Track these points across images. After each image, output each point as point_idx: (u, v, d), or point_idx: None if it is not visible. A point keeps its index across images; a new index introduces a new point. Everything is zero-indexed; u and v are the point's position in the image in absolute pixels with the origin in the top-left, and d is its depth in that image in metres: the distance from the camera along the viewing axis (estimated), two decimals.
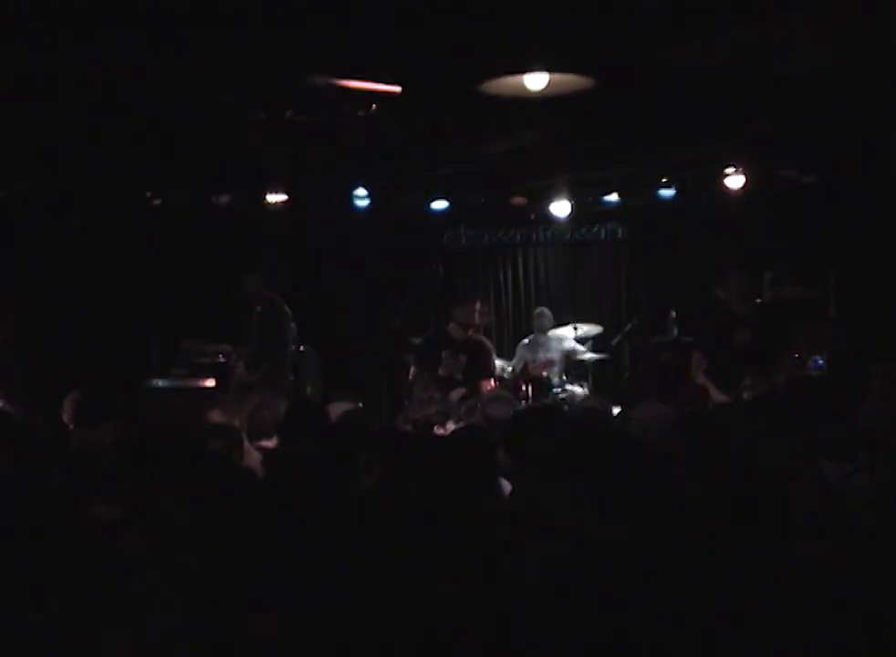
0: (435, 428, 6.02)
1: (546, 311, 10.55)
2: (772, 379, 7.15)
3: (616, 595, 3.10)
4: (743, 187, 9.98)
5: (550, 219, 11.43)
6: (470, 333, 8.70)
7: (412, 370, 8.98)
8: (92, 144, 8.12)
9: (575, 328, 10.44)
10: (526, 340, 10.58)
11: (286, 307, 9.60)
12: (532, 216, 11.68)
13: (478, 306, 8.74)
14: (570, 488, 3.59)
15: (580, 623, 3.08)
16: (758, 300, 7.43)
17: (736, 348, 7.34)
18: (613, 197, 10.79)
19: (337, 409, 6.38)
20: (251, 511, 3.71)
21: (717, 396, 7.15)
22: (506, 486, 4.87)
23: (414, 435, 5.91)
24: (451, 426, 6.06)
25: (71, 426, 6.01)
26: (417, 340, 9.40)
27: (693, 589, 3.03)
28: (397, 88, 6.64)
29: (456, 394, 8.45)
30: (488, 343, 8.95)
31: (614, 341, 10.66)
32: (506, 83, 6.76)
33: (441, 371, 8.72)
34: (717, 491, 4.01)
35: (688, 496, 4.05)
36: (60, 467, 4.84)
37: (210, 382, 10.02)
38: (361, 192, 10.51)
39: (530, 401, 9.34)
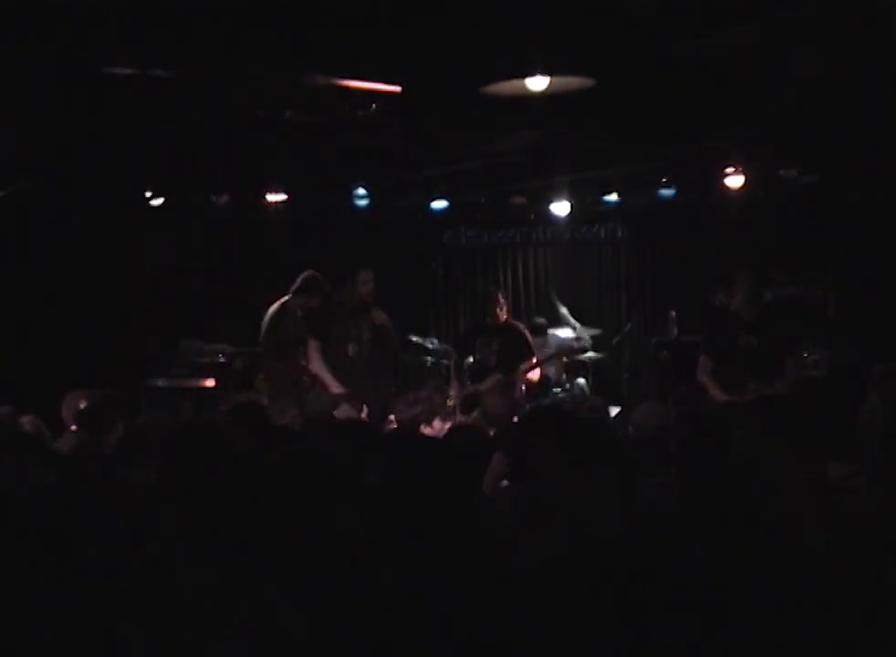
0: (422, 427, 6.02)
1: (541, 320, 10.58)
2: (777, 385, 7.12)
3: (617, 590, 3.10)
4: (743, 187, 9.97)
5: (550, 219, 11.42)
6: (502, 320, 8.88)
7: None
8: (92, 143, 8.11)
9: (574, 329, 10.42)
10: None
11: None
12: (532, 216, 11.67)
13: (500, 299, 8.96)
14: (578, 485, 3.59)
15: (580, 619, 3.08)
16: (763, 304, 7.40)
17: (742, 352, 7.32)
18: (613, 197, 10.78)
19: (343, 410, 6.41)
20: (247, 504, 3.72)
21: (720, 399, 7.13)
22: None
23: (413, 436, 5.90)
24: (438, 424, 6.06)
25: (73, 428, 5.97)
26: (416, 338, 9.48)
27: (694, 589, 3.03)
28: (397, 89, 6.63)
29: (490, 381, 8.57)
30: (521, 327, 9.03)
31: (614, 341, 10.65)
32: (507, 84, 6.75)
33: (475, 358, 8.91)
34: (716, 490, 4.01)
35: (687, 495, 4.05)
36: (58, 469, 4.83)
37: (210, 382, 10.00)
38: (361, 191, 10.49)
39: (529, 399, 9.32)
